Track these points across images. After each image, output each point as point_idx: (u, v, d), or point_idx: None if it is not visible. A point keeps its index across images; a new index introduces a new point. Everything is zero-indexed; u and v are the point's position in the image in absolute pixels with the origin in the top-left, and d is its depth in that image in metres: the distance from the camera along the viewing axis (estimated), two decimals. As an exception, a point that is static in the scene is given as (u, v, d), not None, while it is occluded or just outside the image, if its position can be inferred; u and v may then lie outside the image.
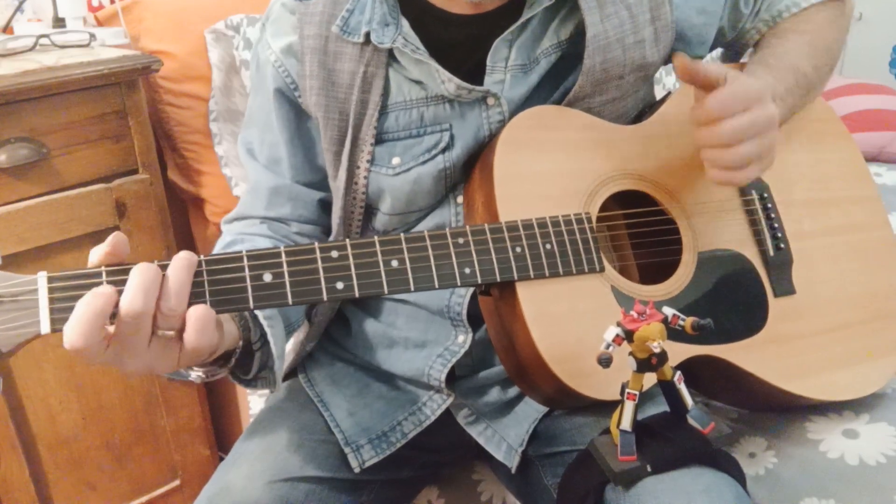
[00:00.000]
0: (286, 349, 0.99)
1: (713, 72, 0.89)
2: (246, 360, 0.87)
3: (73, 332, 0.66)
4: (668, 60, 1.06)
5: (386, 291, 0.81)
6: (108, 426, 1.54)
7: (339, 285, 0.79)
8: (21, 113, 1.30)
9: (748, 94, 0.88)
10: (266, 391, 1.37)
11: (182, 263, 0.71)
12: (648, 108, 1.10)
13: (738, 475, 0.86)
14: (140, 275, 0.69)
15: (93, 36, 1.49)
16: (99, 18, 1.65)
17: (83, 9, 1.61)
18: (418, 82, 0.98)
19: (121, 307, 0.68)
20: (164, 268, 0.72)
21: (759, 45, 1.11)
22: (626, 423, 0.81)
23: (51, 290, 0.69)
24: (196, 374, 0.85)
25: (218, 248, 1.01)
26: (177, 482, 1.67)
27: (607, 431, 0.85)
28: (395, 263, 0.81)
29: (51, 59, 1.37)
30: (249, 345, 0.86)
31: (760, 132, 0.89)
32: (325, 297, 0.78)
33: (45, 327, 0.69)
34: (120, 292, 0.69)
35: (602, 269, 0.91)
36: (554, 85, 1.01)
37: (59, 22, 1.59)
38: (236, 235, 1.03)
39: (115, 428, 1.55)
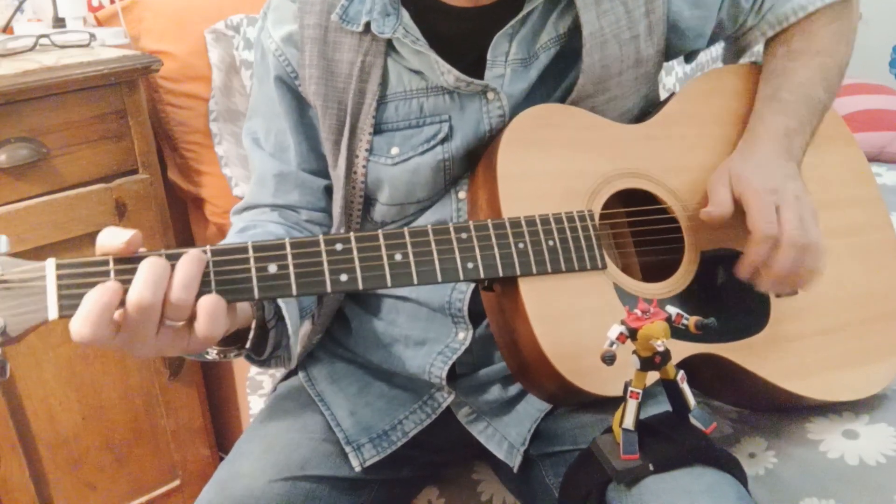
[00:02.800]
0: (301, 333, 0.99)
1: (723, 196, 0.95)
2: (260, 341, 0.87)
3: (81, 325, 0.67)
4: (664, 54, 1.06)
5: (389, 284, 0.81)
6: (108, 426, 1.53)
7: (343, 277, 0.79)
8: (21, 113, 1.30)
9: (765, 195, 0.93)
10: (270, 380, 1.37)
11: (192, 257, 0.72)
12: (652, 107, 1.10)
13: (740, 475, 0.87)
14: (149, 268, 0.69)
15: (93, 36, 1.49)
16: (99, 18, 1.65)
17: (83, 9, 1.61)
18: (418, 72, 0.98)
19: (128, 299, 0.68)
20: (171, 257, 0.72)
21: (770, 62, 1.10)
22: (629, 422, 0.81)
23: (59, 277, 0.70)
24: (212, 356, 0.85)
25: (231, 234, 1.02)
26: (177, 482, 1.66)
27: (609, 430, 0.85)
28: (398, 257, 0.82)
29: (51, 59, 1.37)
30: (264, 323, 0.86)
31: (801, 212, 0.94)
32: (329, 288, 0.79)
33: (52, 313, 0.70)
34: (126, 285, 0.69)
35: (604, 267, 0.91)
36: (554, 81, 1.01)
37: (59, 22, 1.59)
38: (249, 222, 1.03)
39: (115, 428, 1.54)
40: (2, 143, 1.29)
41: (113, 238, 0.71)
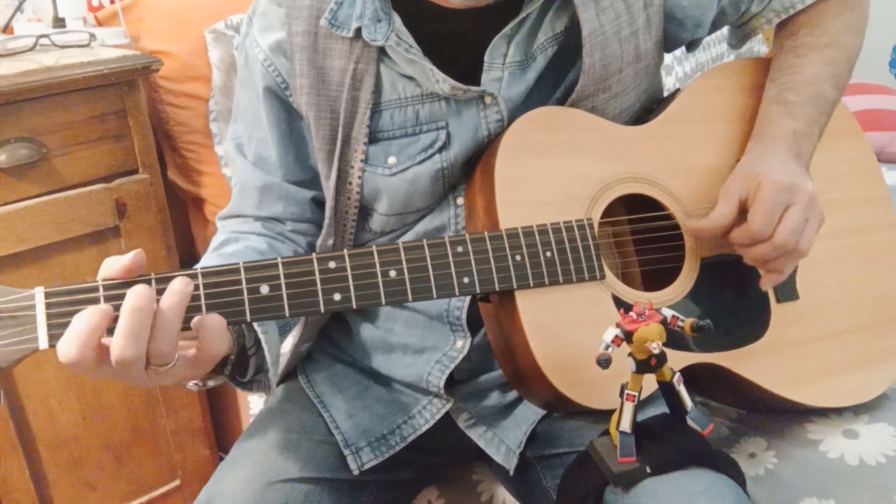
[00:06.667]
0: (282, 350, 0.99)
1: (723, 211, 0.94)
2: (242, 365, 0.87)
3: (68, 346, 0.67)
4: (662, 45, 1.05)
5: (384, 302, 0.81)
6: (108, 426, 1.53)
7: (337, 297, 0.79)
8: (21, 113, 1.30)
9: (781, 193, 0.92)
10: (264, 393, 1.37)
11: (174, 301, 0.71)
12: (655, 102, 1.09)
13: (738, 476, 0.86)
14: (130, 318, 0.69)
15: (93, 36, 1.49)
16: (99, 18, 1.65)
17: (83, 9, 1.61)
18: (412, 78, 0.96)
19: (112, 354, 0.68)
20: (160, 280, 0.72)
21: (777, 57, 1.08)
22: (626, 425, 0.81)
23: (48, 306, 0.70)
24: (192, 383, 0.85)
25: (212, 248, 1.00)
26: (177, 482, 1.66)
27: (607, 433, 0.85)
28: (393, 274, 0.81)
29: (51, 59, 1.37)
30: (244, 350, 0.86)
31: (809, 216, 0.93)
32: (322, 308, 0.78)
33: (42, 343, 0.69)
34: (116, 311, 0.69)
35: (603, 277, 0.90)
36: (552, 82, 1.00)
37: (59, 22, 1.59)
38: (230, 234, 1.02)
39: (115, 428, 1.54)
40: (2, 143, 1.29)
41: (114, 263, 0.72)
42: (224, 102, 1.60)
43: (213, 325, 0.72)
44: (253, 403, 1.44)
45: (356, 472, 1.00)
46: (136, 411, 1.57)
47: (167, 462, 1.64)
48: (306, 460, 0.99)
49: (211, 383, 0.86)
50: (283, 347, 1.03)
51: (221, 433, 1.76)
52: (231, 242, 0.99)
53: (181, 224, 1.71)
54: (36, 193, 1.34)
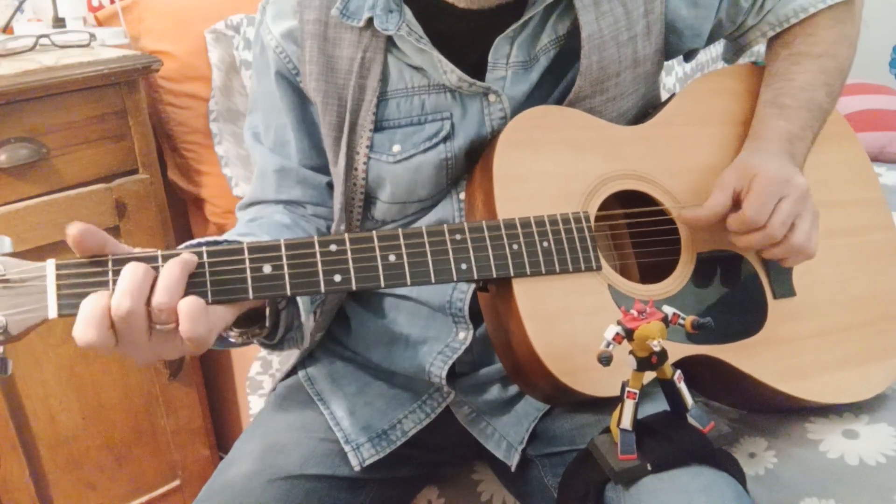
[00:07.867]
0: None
1: (718, 200, 0.95)
2: (273, 324, 0.88)
3: (83, 329, 0.69)
4: (663, 53, 1.06)
5: (382, 285, 0.82)
6: (108, 426, 1.53)
7: (337, 278, 0.80)
8: (21, 113, 1.30)
9: (775, 185, 0.93)
10: (270, 380, 1.37)
11: (176, 260, 0.73)
12: (652, 107, 1.10)
13: (738, 474, 0.86)
14: (128, 276, 0.71)
15: (93, 36, 1.49)
16: (99, 18, 1.65)
17: (83, 9, 1.61)
18: (419, 69, 0.98)
19: (111, 308, 0.70)
20: (166, 257, 0.74)
21: (772, 64, 1.10)
22: (627, 422, 0.81)
23: (59, 277, 0.72)
24: (234, 340, 0.86)
25: (238, 227, 1.02)
26: (177, 482, 1.66)
27: (607, 430, 0.85)
28: (392, 258, 0.82)
29: (51, 59, 1.37)
30: (275, 304, 0.87)
31: (802, 208, 0.94)
32: (322, 289, 0.80)
33: (52, 312, 0.71)
34: None
35: (599, 268, 0.91)
36: (553, 82, 1.01)
37: (59, 22, 1.59)
38: (255, 214, 1.04)
39: (115, 428, 1.55)
40: (2, 143, 1.29)
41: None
42: (224, 102, 1.60)
43: (188, 305, 0.72)
44: (253, 403, 1.44)
45: (357, 469, 1.01)
46: (136, 411, 1.57)
47: (167, 462, 1.64)
48: (306, 458, 0.99)
49: (255, 340, 0.87)
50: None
51: (221, 433, 1.76)
52: (257, 219, 1.01)
53: (181, 224, 1.72)
54: (36, 193, 1.34)
